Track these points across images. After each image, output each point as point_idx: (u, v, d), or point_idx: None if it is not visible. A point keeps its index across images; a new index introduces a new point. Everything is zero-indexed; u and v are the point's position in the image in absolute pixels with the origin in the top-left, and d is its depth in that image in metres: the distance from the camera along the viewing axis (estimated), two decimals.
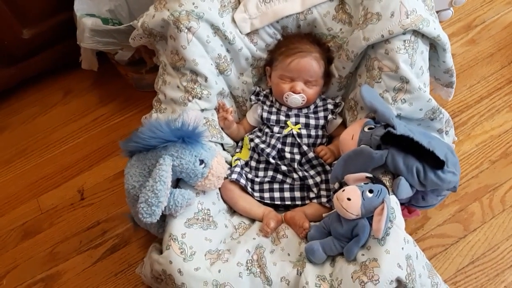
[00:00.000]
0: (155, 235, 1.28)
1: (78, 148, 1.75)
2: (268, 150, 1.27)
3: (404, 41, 1.16)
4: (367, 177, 1.07)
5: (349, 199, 1.02)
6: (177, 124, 1.09)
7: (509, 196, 1.43)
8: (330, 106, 1.34)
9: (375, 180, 1.06)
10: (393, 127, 1.09)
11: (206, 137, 1.12)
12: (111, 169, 1.68)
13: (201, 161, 1.09)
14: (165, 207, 1.06)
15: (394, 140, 1.07)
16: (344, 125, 1.35)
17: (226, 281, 1.05)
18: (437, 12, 1.29)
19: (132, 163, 1.12)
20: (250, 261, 1.10)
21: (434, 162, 1.07)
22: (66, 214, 1.60)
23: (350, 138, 1.15)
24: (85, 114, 1.84)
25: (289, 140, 1.28)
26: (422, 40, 1.19)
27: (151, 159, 1.09)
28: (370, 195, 1.02)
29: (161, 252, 1.12)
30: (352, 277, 1.01)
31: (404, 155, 1.07)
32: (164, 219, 1.13)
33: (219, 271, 1.06)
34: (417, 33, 1.17)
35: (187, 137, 1.06)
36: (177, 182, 1.15)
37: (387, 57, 1.17)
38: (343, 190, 1.04)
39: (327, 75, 1.34)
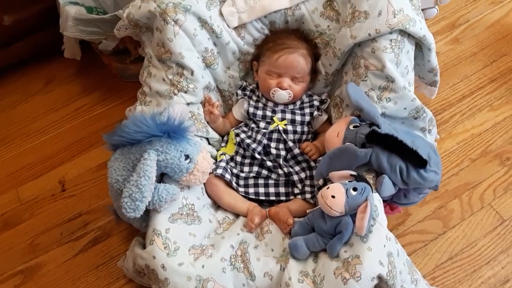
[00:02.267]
0: (137, 229, 1.28)
1: (59, 138, 1.73)
2: (254, 145, 1.27)
3: (391, 40, 1.17)
4: (351, 175, 1.08)
5: (333, 197, 1.03)
6: (162, 118, 1.09)
7: (487, 194, 1.46)
8: (316, 103, 1.34)
9: (359, 178, 1.07)
10: (378, 126, 1.10)
11: (191, 131, 1.11)
12: (93, 160, 1.66)
13: (186, 156, 1.09)
14: (149, 202, 1.05)
15: (378, 139, 1.08)
16: (329, 121, 1.36)
17: (210, 276, 1.05)
18: (422, 10, 1.30)
19: (116, 156, 1.11)
20: (234, 256, 1.11)
21: (417, 161, 1.08)
22: (47, 205, 1.58)
23: (335, 136, 1.16)
24: (67, 103, 1.81)
25: (275, 135, 1.29)
26: (408, 39, 1.20)
27: (135, 153, 1.08)
28: (354, 193, 1.04)
29: (144, 247, 1.12)
30: (334, 274, 1.02)
31: (388, 154, 1.08)
32: (148, 213, 1.12)
33: (203, 266, 1.06)
34: (403, 32, 1.18)
35: (172, 132, 1.06)
36: (162, 177, 1.15)
37: (373, 56, 1.18)
38: (328, 188, 1.05)
39: (314, 72, 1.34)
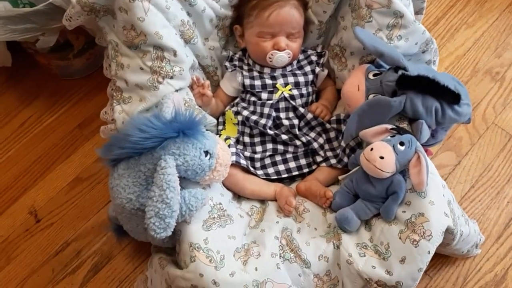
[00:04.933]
0: (142, 242, 1.10)
1: (11, 163, 1.46)
2: (263, 121, 1.12)
3: None
4: (389, 129, 0.98)
5: (381, 157, 0.93)
6: (168, 115, 0.90)
7: (488, 113, 1.44)
8: (313, 58, 1.21)
9: (401, 130, 0.97)
10: (404, 68, 1.00)
11: (205, 124, 0.94)
12: (61, 179, 1.43)
13: (206, 153, 0.92)
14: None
15: (409, 83, 0.97)
16: (329, 75, 1.23)
17: (266, 277, 0.93)
18: None
19: (120, 172, 0.92)
20: (281, 247, 0.98)
21: (450, 97, 1.00)
22: (24, 243, 1.34)
23: (355, 90, 1.04)
24: (7, 120, 1.53)
25: (282, 104, 1.14)
26: None
27: (146, 163, 0.89)
28: (402, 148, 0.94)
29: (176, 264, 0.96)
30: (400, 238, 0.93)
31: (422, 97, 0.98)
32: None
33: (256, 269, 0.93)
34: None
35: (187, 129, 0.88)
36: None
37: None
38: (372, 149, 0.94)
39: (306, 24, 1.19)
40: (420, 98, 0.98)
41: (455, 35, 1.57)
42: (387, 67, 1.06)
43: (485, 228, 1.28)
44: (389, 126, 0.98)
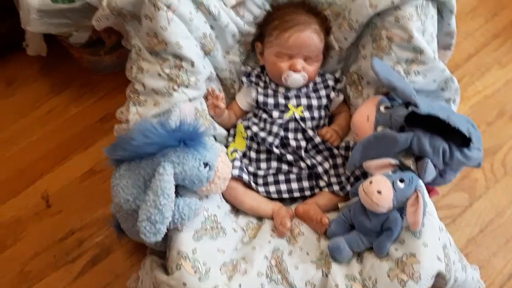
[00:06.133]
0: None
1: (34, 147, 1.52)
2: (270, 139, 1.13)
3: (416, 6, 1.04)
4: (393, 164, 0.97)
5: (379, 192, 0.92)
6: (173, 124, 0.93)
7: (509, 158, 1.40)
8: (330, 82, 1.21)
9: (403, 166, 0.96)
10: (415, 105, 0.99)
11: (209, 135, 0.96)
12: (76, 168, 1.47)
13: (205, 164, 0.94)
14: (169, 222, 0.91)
15: (419, 121, 0.96)
16: (345, 102, 1.23)
17: None
18: None
19: (122, 173, 0.95)
20: (269, 267, 0.99)
21: (459, 139, 0.98)
22: (32, 226, 1.39)
23: (365, 120, 1.04)
24: (36, 106, 1.60)
25: (292, 125, 1.15)
26: (432, 3, 1.07)
27: (146, 168, 0.92)
28: (401, 185, 0.93)
29: (165, 268, 0.98)
30: (388, 276, 0.92)
31: (430, 136, 0.97)
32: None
33: (240, 285, 0.94)
34: None
35: (189, 139, 0.90)
36: (176, 188, 0.99)
37: (398, 26, 1.05)
38: (371, 182, 0.93)
39: (326, 48, 1.20)
40: (428, 137, 0.97)
41: (486, 74, 1.53)
42: (400, 101, 1.05)
43: (488, 275, 1.24)
44: (393, 161, 0.97)
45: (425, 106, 0.99)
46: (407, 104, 1.00)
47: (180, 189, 0.99)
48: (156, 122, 0.92)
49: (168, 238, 0.97)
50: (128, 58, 1.19)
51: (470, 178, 1.37)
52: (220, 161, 0.97)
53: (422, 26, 1.05)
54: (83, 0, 1.26)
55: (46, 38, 1.46)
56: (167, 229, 0.92)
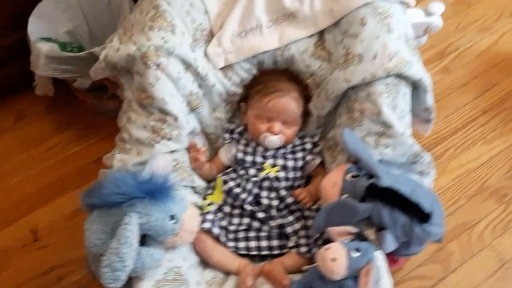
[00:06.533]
0: None
1: (31, 181, 1.61)
2: (243, 195, 1.18)
3: (387, 84, 1.10)
4: (351, 233, 1.00)
5: (334, 260, 0.95)
6: (145, 175, 0.99)
7: (487, 233, 1.40)
8: (308, 146, 1.26)
9: (361, 236, 0.99)
10: (377, 176, 1.03)
11: (177, 189, 1.02)
12: (67, 205, 1.54)
13: (172, 217, 0.99)
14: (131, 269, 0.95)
15: (379, 193, 1.00)
16: (322, 165, 1.28)
17: None
18: None
19: (93, 218, 1.00)
20: None
21: (420, 214, 1.01)
22: (18, 257, 1.45)
23: (331, 186, 1.08)
24: (38, 142, 1.69)
25: (266, 184, 1.20)
26: (405, 82, 1.13)
27: (114, 215, 0.97)
28: (356, 254, 0.95)
29: None
30: None
31: (390, 209, 1.00)
32: (129, 278, 1.02)
33: None
34: (400, 75, 1.11)
35: (157, 192, 0.96)
36: (144, 237, 1.04)
37: (369, 100, 1.11)
38: (327, 249, 0.97)
39: (306, 114, 1.26)
40: (388, 210, 1.00)
41: (471, 148, 1.56)
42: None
43: None
44: (353, 230, 1.00)
45: (388, 179, 1.03)
46: (370, 175, 1.04)
47: (147, 239, 1.04)
48: (130, 172, 0.99)
49: (130, 286, 1.01)
50: (121, 107, 1.27)
51: (446, 251, 1.38)
52: (188, 214, 1.02)
53: (393, 102, 1.11)
54: (89, 46, 1.36)
55: (55, 79, 1.56)
56: (129, 277, 0.97)
